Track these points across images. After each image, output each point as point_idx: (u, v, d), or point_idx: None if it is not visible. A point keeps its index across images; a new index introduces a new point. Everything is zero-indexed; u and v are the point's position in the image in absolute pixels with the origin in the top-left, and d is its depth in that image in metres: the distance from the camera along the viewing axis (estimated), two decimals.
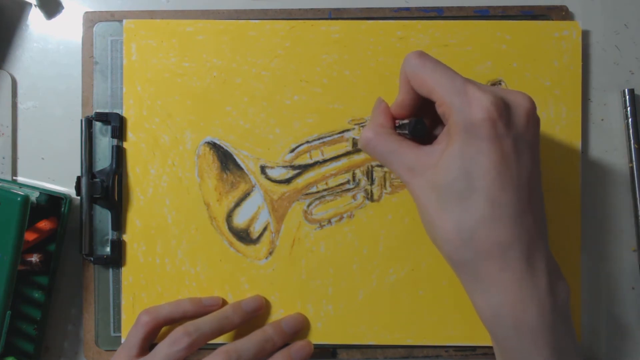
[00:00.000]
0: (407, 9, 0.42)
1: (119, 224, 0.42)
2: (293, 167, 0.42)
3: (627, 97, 0.42)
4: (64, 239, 0.42)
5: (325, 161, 0.42)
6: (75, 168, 0.42)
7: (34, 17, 0.44)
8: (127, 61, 0.42)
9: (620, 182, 0.42)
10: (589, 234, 0.42)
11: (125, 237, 0.42)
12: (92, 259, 0.41)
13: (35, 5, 0.44)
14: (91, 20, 0.42)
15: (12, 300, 0.37)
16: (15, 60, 0.43)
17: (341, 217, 0.42)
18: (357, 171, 0.42)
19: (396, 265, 0.41)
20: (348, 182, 0.42)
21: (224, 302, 0.41)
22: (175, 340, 0.36)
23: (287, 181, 0.42)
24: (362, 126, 0.42)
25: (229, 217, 0.42)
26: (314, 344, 0.41)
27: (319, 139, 0.42)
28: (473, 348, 0.42)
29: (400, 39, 0.42)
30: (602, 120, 0.43)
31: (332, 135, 0.42)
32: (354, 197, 0.42)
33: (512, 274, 0.29)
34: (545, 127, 0.41)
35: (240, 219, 0.42)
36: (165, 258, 0.42)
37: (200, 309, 0.40)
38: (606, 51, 0.43)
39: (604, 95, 0.43)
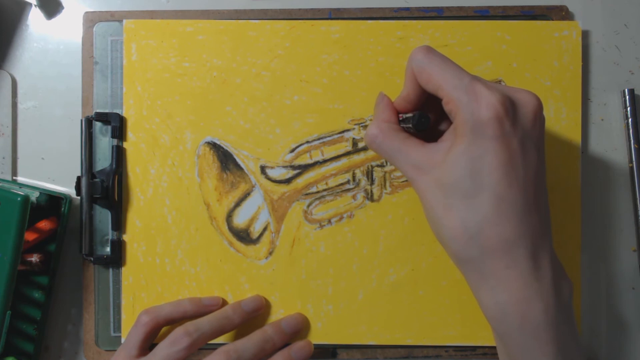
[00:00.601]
0: (407, 9, 0.42)
1: (119, 224, 0.42)
2: (293, 167, 0.42)
3: (627, 97, 0.42)
4: (64, 239, 0.42)
5: (325, 161, 0.42)
6: (75, 168, 0.42)
7: (34, 17, 0.44)
8: (127, 61, 0.42)
9: (620, 182, 0.42)
10: (589, 233, 0.42)
11: (125, 237, 0.42)
12: (92, 259, 0.41)
13: (35, 5, 0.44)
14: (91, 20, 0.42)
15: (12, 300, 0.37)
16: (15, 60, 0.43)
17: (341, 217, 0.42)
18: (357, 171, 0.42)
19: (396, 265, 0.41)
20: (348, 182, 0.42)
21: (224, 302, 0.41)
22: (175, 340, 0.36)
23: (287, 181, 0.42)
24: (362, 126, 0.42)
25: (229, 217, 0.42)
26: (314, 344, 0.41)
27: (319, 139, 0.42)
28: (473, 348, 0.42)
29: (400, 39, 0.42)
30: (602, 120, 0.43)
31: (332, 135, 0.42)
32: (354, 197, 0.42)
33: (518, 271, 0.29)
34: (546, 127, 0.41)
35: (240, 219, 0.42)
36: (165, 258, 0.42)
37: (200, 309, 0.40)
38: (606, 51, 0.43)
39: (603, 95, 0.43)
